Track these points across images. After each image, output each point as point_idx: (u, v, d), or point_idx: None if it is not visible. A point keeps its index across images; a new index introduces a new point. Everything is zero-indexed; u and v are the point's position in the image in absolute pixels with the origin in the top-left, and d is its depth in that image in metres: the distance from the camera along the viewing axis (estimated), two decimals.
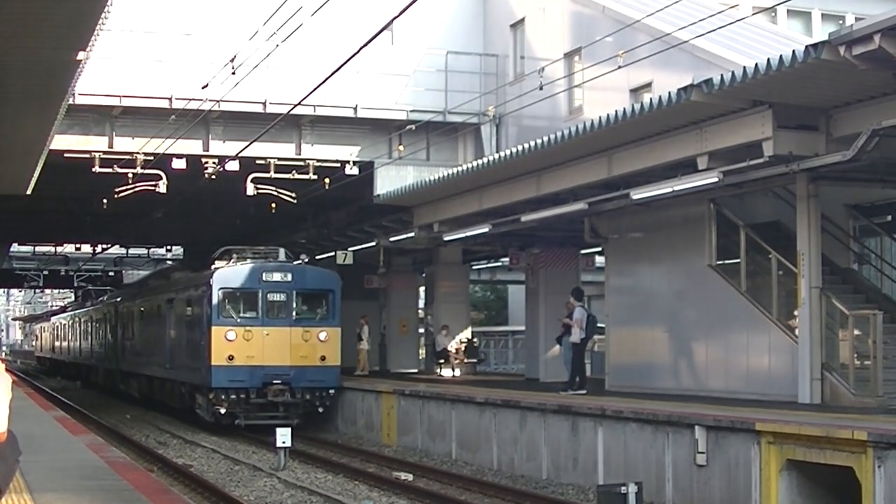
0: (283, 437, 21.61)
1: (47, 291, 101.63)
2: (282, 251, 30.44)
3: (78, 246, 57.41)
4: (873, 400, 18.09)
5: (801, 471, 14.89)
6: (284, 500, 18.14)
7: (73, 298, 79.98)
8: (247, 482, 20.07)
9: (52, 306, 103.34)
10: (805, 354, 19.03)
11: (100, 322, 49.34)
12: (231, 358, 27.91)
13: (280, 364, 28.25)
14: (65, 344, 64.44)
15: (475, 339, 38.56)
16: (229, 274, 29.00)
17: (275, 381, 28.17)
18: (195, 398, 30.03)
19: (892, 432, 13.34)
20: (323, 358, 28.75)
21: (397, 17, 15.01)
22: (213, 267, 29.95)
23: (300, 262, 30.28)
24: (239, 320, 28.42)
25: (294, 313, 28.89)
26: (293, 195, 29.47)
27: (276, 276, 28.86)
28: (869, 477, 13.38)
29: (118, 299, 45.16)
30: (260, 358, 28.18)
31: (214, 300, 28.32)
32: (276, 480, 20.03)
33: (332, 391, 29.09)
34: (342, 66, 18.00)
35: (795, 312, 19.63)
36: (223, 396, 28.07)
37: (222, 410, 28.08)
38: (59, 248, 59.96)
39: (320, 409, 29.09)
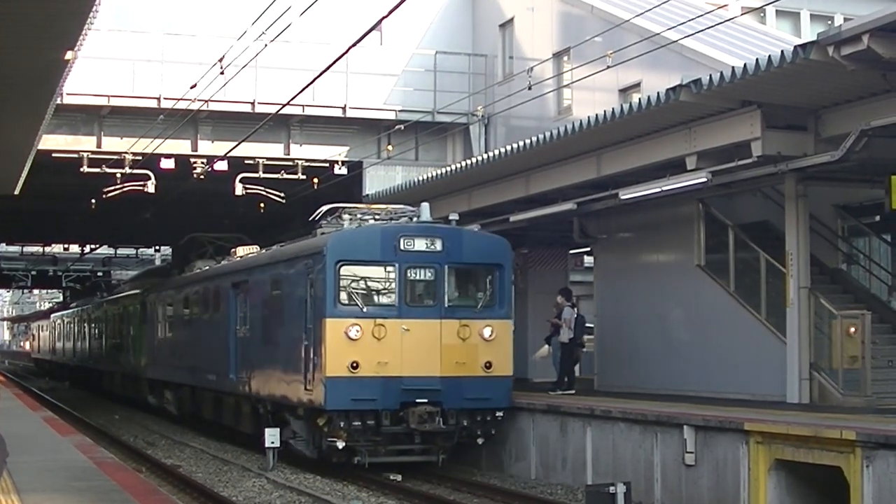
0: (272, 437, 21.51)
1: (35, 291, 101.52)
2: (425, 206, 21.04)
3: (66, 246, 57.40)
4: (862, 400, 18.12)
5: (790, 471, 14.91)
6: (273, 501, 18.11)
7: (61, 299, 79.73)
8: (235, 482, 20.03)
9: (40, 307, 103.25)
10: (794, 354, 19.06)
11: (118, 318, 40.88)
12: (355, 366, 19.34)
13: (426, 375, 19.76)
14: (69, 344, 55.66)
15: None
16: (350, 240, 20.10)
17: (419, 401, 19.63)
18: (286, 422, 21.53)
19: (880, 432, 13.36)
20: (488, 365, 20.17)
21: (386, 17, 15.01)
22: (319, 232, 21.47)
23: (453, 222, 21.09)
24: (366, 310, 19.67)
25: (446, 299, 20.21)
26: (282, 195, 29.45)
27: (420, 244, 19.98)
28: (857, 477, 13.40)
29: (145, 289, 36.71)
30: (397, 366, 19.62)
31: (329, 279, 19.48)
32: (264, 481, 19.99)
33: (500, 414, 20.46)
34: (331, 65, 18.01)
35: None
36: (342, 423, 19.43)
37: (340, 444, 19.45)
38: (48, 249, 59.99)
39: (480, 440, 20.59)
